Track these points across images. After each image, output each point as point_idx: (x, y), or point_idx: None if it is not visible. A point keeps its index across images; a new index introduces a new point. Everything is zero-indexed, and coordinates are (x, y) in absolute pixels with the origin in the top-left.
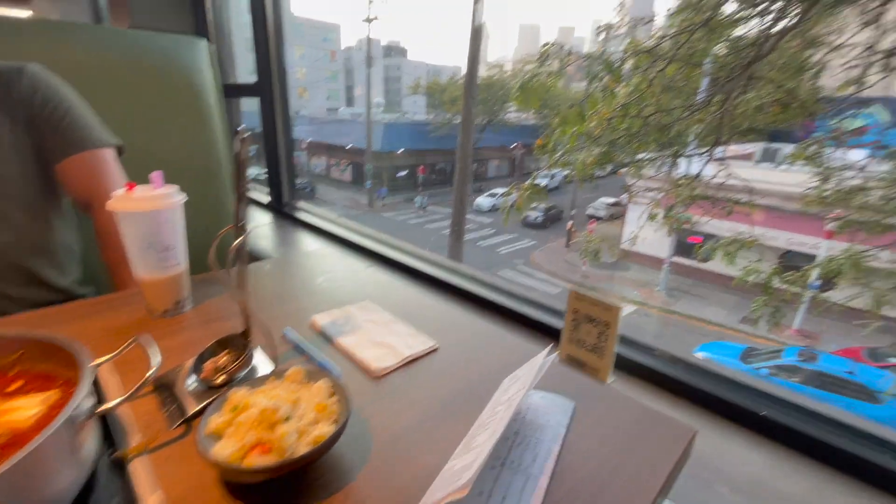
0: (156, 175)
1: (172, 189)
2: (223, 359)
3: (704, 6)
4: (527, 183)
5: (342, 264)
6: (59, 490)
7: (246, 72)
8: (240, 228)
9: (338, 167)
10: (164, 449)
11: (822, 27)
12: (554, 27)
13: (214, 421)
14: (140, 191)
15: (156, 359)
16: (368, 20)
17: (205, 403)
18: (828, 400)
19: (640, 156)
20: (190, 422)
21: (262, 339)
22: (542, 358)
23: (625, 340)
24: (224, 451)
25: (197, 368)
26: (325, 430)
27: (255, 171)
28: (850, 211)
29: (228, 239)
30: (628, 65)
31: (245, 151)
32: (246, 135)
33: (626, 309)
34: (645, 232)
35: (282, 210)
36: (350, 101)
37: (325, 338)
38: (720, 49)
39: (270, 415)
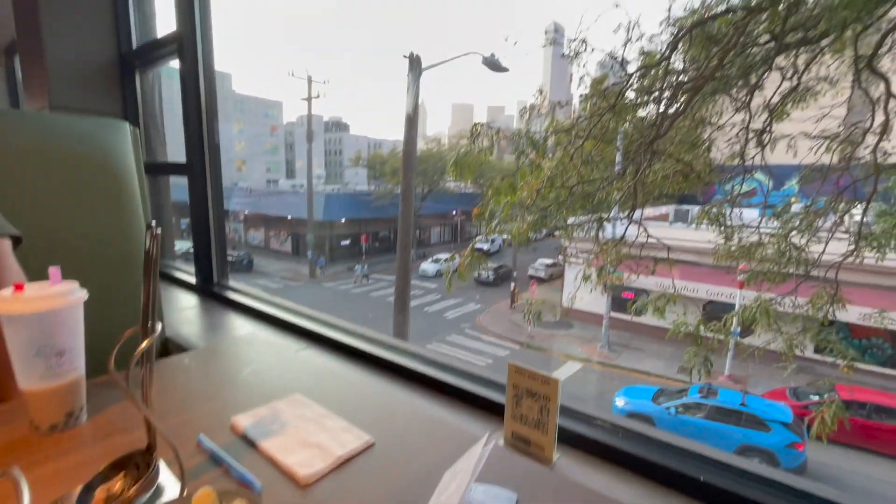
0: (53, 270)
1: (71, 285)
2: (118, 483)
3: (610, 94)
4: (467, 249)
5: (273, 350)
6: None
7: (178, 147)
8: (148, 329)
9: (277, 238)
10: None
11: (705, 111)
12: (484, 106)
13: None
14: (32, 289)
15: (25, 499)
16: (308, 98)
17: None
18: (728, 430)
19: (570, 221)
20: None
21: (169, 454)
22: (481, 447)
23: (567, 412)
24: None
25: (83, 500)
26: None
27: (185, 245)
28: (753, 263)
29: (136, 340)
30: (550, 141)
31: (156, 248)
32: (158, 231)
33: (574, 367)
34: (582, 291)
35: (211, 290)
36: (291, 174)
37: (248, 441)
38: (628, 127)
39: None
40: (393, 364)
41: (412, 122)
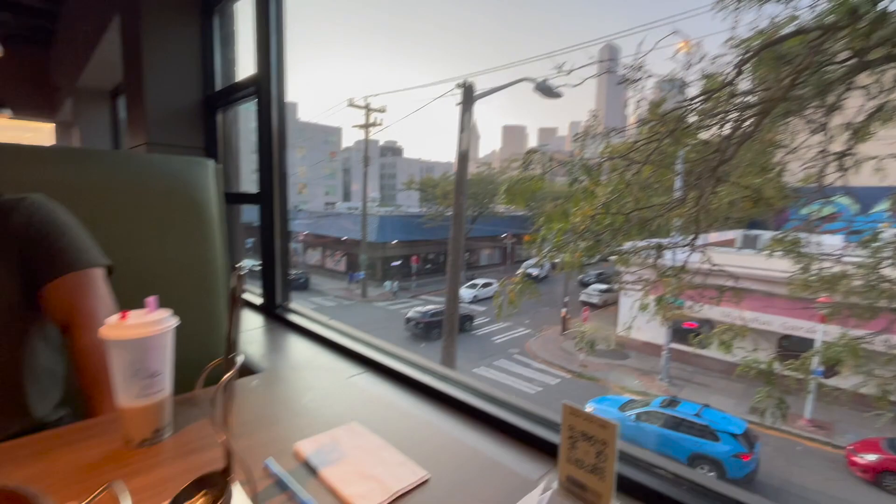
0: (151, 300)
1: (165, 314)
2: (200, 500)
3: (669, 118)
4: (517, 275)
5: (330, 375)
6: None
7: (250, 173)
8: (230, 361)
9: (332, 258)
10: None
11: (776, 134)
12: (536, 127)
13: None
14: (133, 317)
15: None
16: (365, 125)
17: None
18: (681, 439)
19: (625, 246)
20: None
21: (243, 475)
22: (539, 494)
23: (627, 458)
24: None
25: None
26: None
27: (251, 262)
28: (836, 296)
29: (218, 368)
30: (606, 166)
31: (241, 288)
32: (243, 272)
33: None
34: (639, 320)
35: (273, 312)
36: (347, 196)
37: (310, 469)
38: (689, 153)
39: None
40: (447, 396)
41: (464, 147)
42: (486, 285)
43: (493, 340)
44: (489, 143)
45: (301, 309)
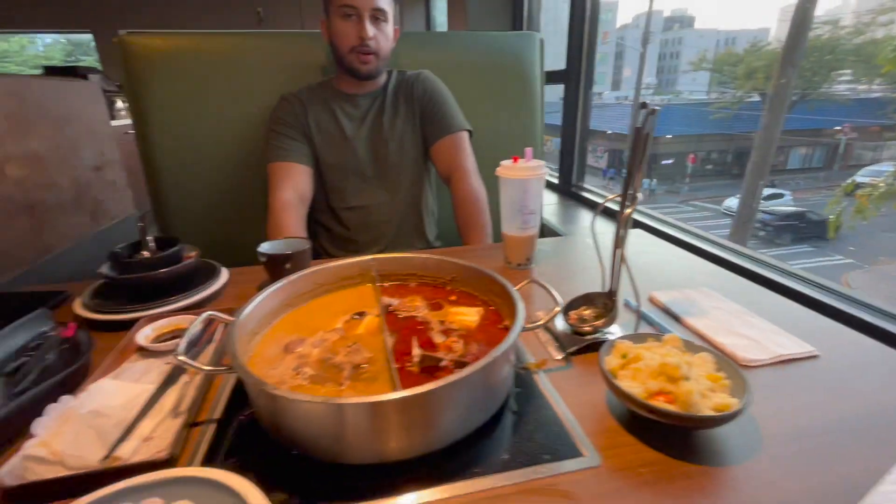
0: (528, 150)
1: (541, 164)
2: (586, 311)
3: None
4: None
5: (656, 249)
6: (504, 378)
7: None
8: (631, 197)
9: (594, 153)
10: (555, 371)
11: None
12: None
13: (609, 362)
14: (521, 162)
15: (558, 298)
16: None
17: (583, 345)
18: None
19: None
20: (568, 355)
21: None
22: None
23: None
24: (630, 388)
25: (565, 314)
26: (727, 400)
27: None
28: None
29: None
30: None
31: (651, 125)
32: (656, 108)
33: None
34: None
35: (569, 190)
36: (616, 85)
37: (670, 315)
38: None
39: (672, 370)
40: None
41: None
42: (772, 196)
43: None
44: None
45: (594, 189)
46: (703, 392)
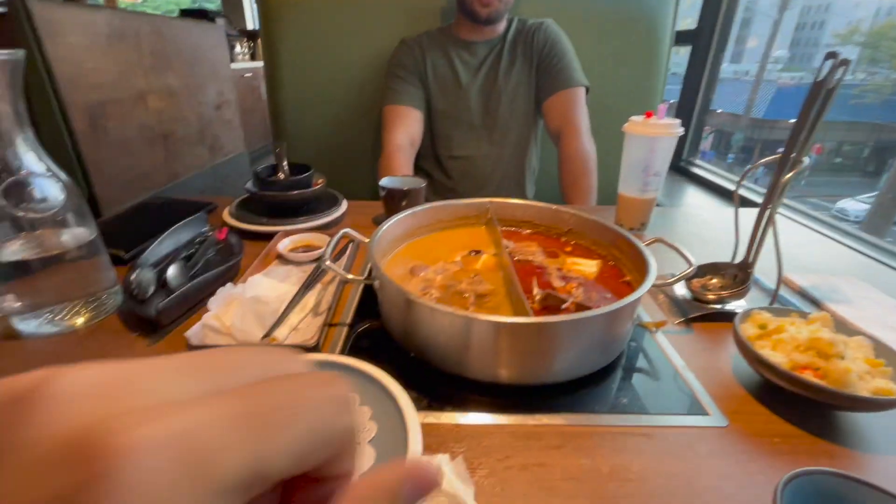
0: (662, 107)
1: (675, 122)
2: (712, 280)
3: None
4: None
5: (786, 228)
6: (627, 328)
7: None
8: (794, 162)
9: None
10: (674, 334)
11: None
12: None
13: (745, 329)
14: (653, 119)
15: (692, 259)
16: None
17: (706, 312)
18: None
19: None
20: (689, 320)
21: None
22: None
23: None
24: (773, 357)
25: (687, 281)
26: (889, 385)
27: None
28: None
29: None
30: None
31: (837, 80)
32: (847, 59)
33: None
34: None
35: (677, 165)
36: (737, 57)
37: (808, 298)
38: None
39: (825, 346)
40: None
41: None
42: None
43: None
44: None
45: (706, 165)
46: (860, 374)
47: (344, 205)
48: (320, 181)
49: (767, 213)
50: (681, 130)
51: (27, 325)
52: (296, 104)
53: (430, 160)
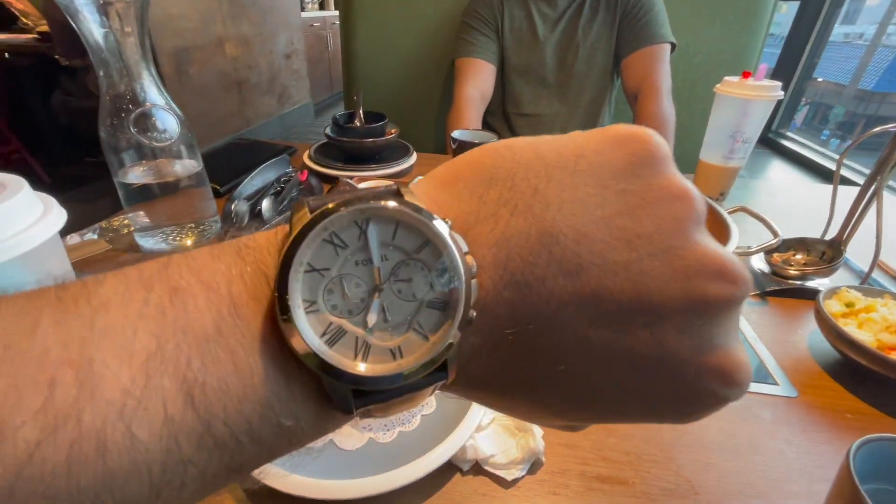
0: (762, 67)
1: (776, 85)
2: (796, 256)
3: None
4: None
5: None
6: None
7: None
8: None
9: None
10: (748, 306)
11: None
12: None
13: (829, 306)
14: (750, 80)
15: (778, 230)
16: None
17: (785, 287)
18: None
19: None
20: (766, 293)
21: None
22: None
23: None
24: (859, 334)
25: (767, 254)
26: None
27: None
28: None
29: None
30: None
31: None
32: None
33: None
34: None
35: (764, 136)
36: (850, 17)
37: None
38: None
39: None
40: None
41: None
42: None
43: None
44: None
45: (798, 137)
46: None
47: (414, 156)
48: (393, 131)
49: (872, 188)
50: (780, 94)
51: (146, 241)
52: (368, 53)
53: (497, 117)
